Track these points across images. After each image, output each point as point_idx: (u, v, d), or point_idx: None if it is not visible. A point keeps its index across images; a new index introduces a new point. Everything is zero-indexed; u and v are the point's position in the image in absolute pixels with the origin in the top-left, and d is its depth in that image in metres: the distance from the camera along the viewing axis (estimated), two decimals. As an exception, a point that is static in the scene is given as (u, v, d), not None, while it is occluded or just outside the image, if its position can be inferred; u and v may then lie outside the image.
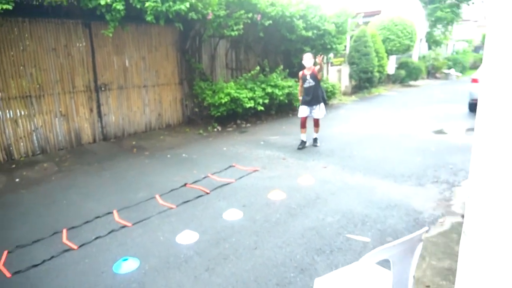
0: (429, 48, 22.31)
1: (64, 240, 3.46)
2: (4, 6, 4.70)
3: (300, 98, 6.35)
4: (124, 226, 3.71)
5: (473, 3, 22.67)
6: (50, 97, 6.31)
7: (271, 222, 3.68)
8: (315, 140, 6.54)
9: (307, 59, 6.09)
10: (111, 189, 4.78)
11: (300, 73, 6.30)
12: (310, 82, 6.09)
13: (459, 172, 4.95)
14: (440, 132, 7.44)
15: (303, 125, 6.33)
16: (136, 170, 5.52)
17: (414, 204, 3.98)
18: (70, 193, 4.67)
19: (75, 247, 3.33)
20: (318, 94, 6.16)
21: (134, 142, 7.06)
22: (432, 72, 20.88)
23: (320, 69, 6.14)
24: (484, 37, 29.49)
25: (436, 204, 3.96)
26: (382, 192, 4.36)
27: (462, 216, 3.60)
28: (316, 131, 6.49)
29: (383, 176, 4.89)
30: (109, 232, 3.58)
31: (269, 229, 3.53)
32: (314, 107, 6.21)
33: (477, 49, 32.06)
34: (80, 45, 6.63)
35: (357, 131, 7.73)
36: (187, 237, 3.41)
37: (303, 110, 6.27)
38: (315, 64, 6.12)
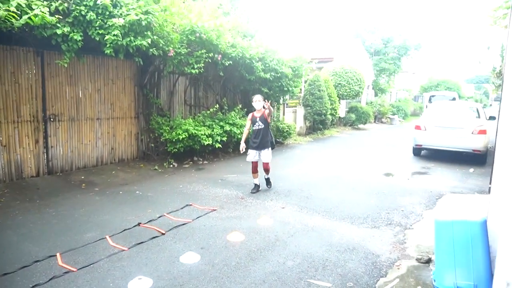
0: (376, 95, 24.07)
1: (-4, 289, 3.05)
2: None
3: (243, 140, 6.01)
4: (68, 272, 3.36)
5: (411, 57, 25.16)
6: (-10, 126, 5.82)
7: (231, 266, 3.53)
8: (268, 181, 6.37)
9: (257, 101, 5.94)
10: (55, 229, 4.37)
11: (250, 115, 6.09)
12: (259, 125, 5.92)
13: (409, 215, 5.18)
14: (389, 174, 7.83)
15: (254, 169, 6.10)
16: (84, 207, 5.13)
17: (371, 247, 4.06)
18: (5, 234, 4.19)
19: (8, 297, 2.94)
20: (266, 138, 6.00)
21: (83, 177, 6.62)
22: (379, 117, 22.37)
23: (270, 113, 5.97)
24: (421, 88, 32.51)
25: (392, 247, 4.06)
26: (341, 234, 4.40)
27: (417, 260, 3.72)
28: (267, 173, 6.30)
29: (341, 218, 4.97)
30: (50, 279, 3.22)
31: (229, 274, 3.38)
32: (262, 151, 6.01)
33: (416, 98, 35.10)
34: (30, 73, 6.28)
35: (313, 172, 7.91)
36: (139, 284, 3.15)
37: (251, 155, 6.03)
38: (264, 107, 5.96)
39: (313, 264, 3.62)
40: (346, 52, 19.42)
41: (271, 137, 6.15)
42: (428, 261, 3.68)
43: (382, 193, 6.29)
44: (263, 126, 5.92)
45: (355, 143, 13.07)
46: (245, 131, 6.12)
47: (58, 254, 3.66)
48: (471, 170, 8.27)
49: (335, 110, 15.79)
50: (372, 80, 23.36)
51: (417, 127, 9.66)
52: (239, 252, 3.84)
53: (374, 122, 21.81)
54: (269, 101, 6.05)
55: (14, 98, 6.08)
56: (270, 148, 6.09)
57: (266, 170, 6.21)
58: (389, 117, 22.85)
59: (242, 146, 5.97)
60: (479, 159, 8.92)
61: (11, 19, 4.72)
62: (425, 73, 39.34)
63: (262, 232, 4.42)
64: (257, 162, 6.06)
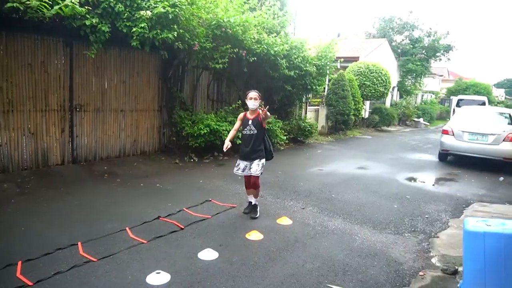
0: (401, 96, 23.48)
1: (18, 274, 3.10)
2: (-18, 17, 4.49)
3: (228, 139, 4.68)
4: (88, 261, 3.39)
5: (440, 59, 24.35)
6: (19, 114, 5.96)
7: (249, 265, 3.48)
8: (253, 208, 4.82)
9: (252, 98, 4.49)
10: (78, 217, 4.43)
11: (242, 114, 4.74)
12: (251, 130, 4.54)
13: (434, 222, 4.99)
14: (413, 179, 7.60)
15: (247, 184, 4.80)
16: (106, 198, 5.20)
17: (394, 254, 3.92)
18: (30, 220, 4.28)
19: (30, 283, 2.98)
20: (260, 147, 4.64)
21: (106, 167, 6.72)
22: (403, 119, 21.84)
23: (266, 117, 4.54)
24: (448, 91, 31.50)
25: (416, 256, 3.91)
26: (362, 239, 4.28)
27: (442, 270, 3.56)
28: (255, 194, 4.78)
29: (362, 222, 4.84)
30: (71, 267, 3.25)
31: (247, 273, 3.33)
32: (252, 162, 4.62)
33: (443, 101, 34.10)
34: (59, 63, 6.40)
35: (334, 173, 7.76)
36: (158, 278, 3.14)
37: (240, 167, 4.71)
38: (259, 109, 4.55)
39: (333, 268, 3.52)
40: (372, 52, 19.02)
41: (268, 145, 4.80)
42: (455, 272, 3.51)
43: (405, 198, 6.10)
44: (255, 131, 4.54)
45: (378, 145, 12.79)
46: (232, 132, 4.81)
47: (79, 243, 3.70)
48: (501, 178, 7.92)
49: (359, 110, 15.49)
50: (397, 81, 22.81)
51: (445, 132, 9.33)
52: (258, 252, 3.78)
53: (398, 124, 21.31)
54: (267, 107, 4.60)
55: (43, 87, 6.21)
56: (262, 160, 4.66)
57: (254, 187, 4.70)
58: (414, 120, 22.28)
59: (227, 144, 4.60)
60: (510, 168, 8.53)
61: (43, 9, 4.80)
62: (453, 76, 38.16)
63: (281, 232, 4.35)
64: (250, 176, 4.69)
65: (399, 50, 23.65)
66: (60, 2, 4.97)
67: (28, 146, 6.14)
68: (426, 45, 23.12)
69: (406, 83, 23.05)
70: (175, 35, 6.17)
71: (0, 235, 3.85)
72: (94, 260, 3.41)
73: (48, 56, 6.22)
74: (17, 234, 3.91)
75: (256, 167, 4.59)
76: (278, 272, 3.39)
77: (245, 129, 4.60)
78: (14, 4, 4.60)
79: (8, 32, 5.67)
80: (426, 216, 5.23)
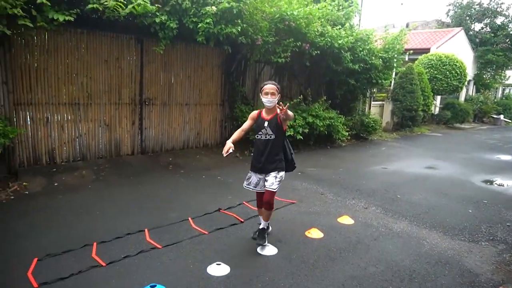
0: (477, 90, 21.47)
1: (93, 254, 3.36)
2: (67, 18, 4.90)
3: (231, 140, 3.48)
4: (154, 248, 3.57)
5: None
6: (96, 106, 6.46)
7: (309, 264, 3.41)
8: (260, 232, 3.68)
9: (269, 93, 3.45)
10: (145, 205, 4.70)
11: (255, 113, 3.67)
12: (267, 134, 3.52)
13: (518, 231, 4.48)
14: (491, 183, 6.90)
15: (260, 203, 3.79)
16: (171, 188, 5.45)
17: (469, 263, 3.58)
18: (104, 205, 4.63)
19: (103, 263, 3.21)
20: (277, 156, 3.59)
21: (170, 159, 7.04)
22: (479, 116, 20.00)
23: (288, 118, 3.47)
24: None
25: (495, 267, 3.53)
26: (431, 244, 3.98)
27: (527, 286, 3.18)
28: (266, 217, 3.67)
29: (431, 226, 4.50)
30: (139, 252, 3.45)
31: (306, 272, 3.26)
32: (270, 174, 3.58)
33: (528, 96, 30.52)
34: (131, 59, 6.80)
35: (400, 172, 7.33)
36: (218, 269, 3.20)
37: (252, 180, 3.74)
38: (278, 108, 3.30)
39: (398, 274, 3.31)
40: (445, 43, 17.58)
41: (290, 152, 3.78)
42: (543, 290, 3.11)
43: (482, 202, 5.56)
44: (272, 136, 3.52)
45: (449, 143, 11.84)
46: (238, 131, 3.66)
47: (146, 230, 3.92)
48: None
49: (428, 106, 14.47)
50: (474, 74, 20.86)
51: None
52: (318, 250, 3.69)
53: (474, 121, 19.54)
54: (286, 104, 3.54)
55: (117, 82, 6.65)
56: (281, 173, 3.61)
57: (266, 207, 3.59)
58: (492, 117, 20.27)
59: (228, 146, 3.38)
60: None
61: (118, 8, 5.13)
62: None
63: (342, 231, 4.20)
64: (262, 194, 3.69)
65: (477, 40, 21.55)
66: (133, 1, 5.26)
67: (103, 137, 6.64)
68: (511, 32, 20.73)
69: (484, 76, 20.98)
70: (239, 30, 6.22)
71: (79, 217, 4.22)
72: (159, 247, 3.58)
73: (122, 53, 6.64)
74: (93, 217, 4.25)
75: (273, 179, 3.53)
76: (339, 273, 3.27)
77: (260, 132, 3.55)
78: (94, 6, 4.97)
79: (88, 31, 6.15)
80: (508, 224, 4.71)
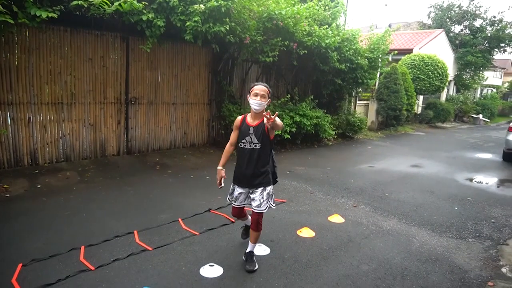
0: (458, 91, 22.02)
1: (81, 258, 3.26)
2: (50, 14, 4.74)
3: (222, 164, 3.30)
4: (144, 250, 3.49)
5: (504, 50, 22.40)
6: (81, 106, 6.30)
7: (302, 263, 3.39)
8: (248, 257, 3.27)
9: (258, 95, 3.00)
10: (133, 207, 4.60)
11: (238, 119, 3.22)
12: (252, 143, 3.08)
13: (503, 228, 4.58)
14: (475, 180, 7.06)
15: (238, 213, 3.41)
16: (159, 189, 5.35)
17: (458, 260, 3.64)
18: (90, 207, 4.51)
19: (92, 267, 3.11)
20: (263, 168, 3.13)
21: (157, 159, 6.93)
22: (460, 115, 20.52)
23: (276, 128, 3.00)
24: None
25: (483, 263, 3.60)
26: (420, 242, 4.03)
27: (515, 281, 3.25)
28: (254, 239, 3.24)
29: (420, 224, 4.56)
30: (129, 255, 3.36)
31: (300, 271, 3.25)
32: (255, 190, 3.15)
33: (505, 96, 31.53)
34: (116, 57, 6.66)
35: (387, 170, 7.42)
36: (211, 271, 3.15)
37: (235, 194, 3.27)
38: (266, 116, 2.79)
39: (391, 272, 3.33)
40: (427, 44, 17.95)
41: (272, 164, 3.29)
42: (530, 285, 3.19)
43: (466, 199, 5.68)
44: (259, 145, 3.07)
45: (432, 142, 12.09)
46: (227, 149, 3.30)
47: (135, 232, 3.83)
48: None
49: (411, 105, 14.73)
50: (454, 74, 21.38)
51: (511, 129, 8.57)
52: (310, 249, 3.68)
53: (454, 121, 20.02)
54: (275, 113, 2.93)
55: (102, 81, 6.50)
56: (269, 187, 3.17)
57: (254, 228, 3.19)
58: (472, 116, 20.83)
59: (220, 176, 3.25)
60: None
61: (104, 5, 5.00)
62: (518, 68, 35.16)
63: (333, 230, 4.21)
64: (240, 209, 3.34)
65: (457, 41, 22.08)
66: (119, -2, 5.14)
67: (88, 137, 6.48)
68: (489, 35, 21.33)
69: (464, 77, 21.53)
70: (227, 28, 6.18)
71: (65, 220, 4.09)
72: (150, 249, 3.51)
73: (107, 51, 6.49)
74: (79, 220, 4.12)
75: (260, 199, 3.09)
76: (332, 272, 3.27)
77: (243, 140, 3.11)
78: (79, 2, 4.83)
79: (72, 29, 5.98)
80: (492, 220, 4.82)
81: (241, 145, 3.16)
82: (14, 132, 5.64)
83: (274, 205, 3.26)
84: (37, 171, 5.63)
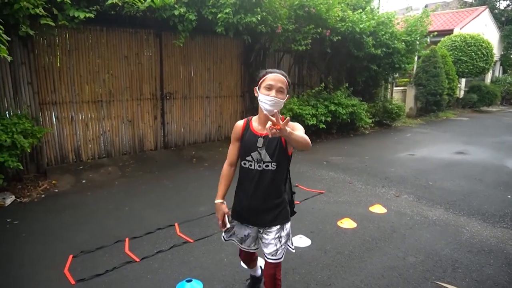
0: (504, 71, 20.62)
1: (126, 250, 3.36)
2: (88, 15, 4.87)
3: (221, 195, 2.26)
4: (186, 242, 3.54)
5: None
6: (119, 103, 6.48)
7: (344, 255, 3.30)
8: None
9: (276, 88, 1.96)
10: (173, 200, 4.68)
11: (239, 125, 2.17)
12: (263, 161, 2.04)
13: None
14: (528, 166, 6.59)
15: (246, 259, 2.54)
16: (196, 182, 5.41)
17: (514, 251, 3.40)
18: (132, 200, 4.64)
19: (137, 259, 3.20)
20: (278, 199, 2.11)
21: (193, 152, 7.02)
22: (507, 98, 19.24)
23: (291, 141, 1.75)
24: None
25: (543, 255, 3.34)
26: (471, 232, 3.80)
27: None
28: None
29: (469, 213, 4.31)
30: (171, 247, 3.42)
31: (343, 263, 3.16)
32: (268, 230, 2.14)
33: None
34: (150, 54, 6.77)
35: (429, 158, 7.09)
36: (252, 262, 3.13)
37: (235, 232, 2.32)
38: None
39: (440, 264, 3.16)
40: (469, 23, 16.89)
41: (290, 190, 2.30)
42: None
43: (520, 187, 5.30)
44: (272, 166, 2.04)
45: (477, 127, 11.41)
46: (225, 172, 2.30)
47: (176, 224, 3.89)
48: None
49: (453, 90, 13.96)
50: (500, 54, 20.00)
51: None
52: (352, 241, 3.57)
53: (501, 104, 18.81)
54: (287, 117, 1.64)
55: (137, 78, 6.64)
56: (287, 225, 2.17)
57: (269, 284, 2.18)
58: (521, 98, 19.45)
59: (222, 212, 2.21)
60: None
61: (137, 2, 5.07)
62: None
63: (375, 221, 4.06)
64: (249, 254, 2.44)
65: (502, 18, 20.63)
66: (151, -6, 5.19)
67: (127, 133, 6.67)
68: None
69: (511, 56, 20.10)
70: (259, 18, 6.08)
71: (109, 213, 4.23)
72: (191, 241, 3.55)
73: (141, 48, 6.62)
74: (123, 213, 4.25)
75: (277, 243, 2.12)
76: (377, 264, 3.15)
77: (249, 157, 2.08)
78: (114, 1, 4.92)
79: (108, 28, 6.13)
80: (551, 209, 4.47)
81: (244, 164, 2.11)
82: (59, 131, 5.90)
83: (293, 247, 2.27)
84: (81, 167, 5.87)
